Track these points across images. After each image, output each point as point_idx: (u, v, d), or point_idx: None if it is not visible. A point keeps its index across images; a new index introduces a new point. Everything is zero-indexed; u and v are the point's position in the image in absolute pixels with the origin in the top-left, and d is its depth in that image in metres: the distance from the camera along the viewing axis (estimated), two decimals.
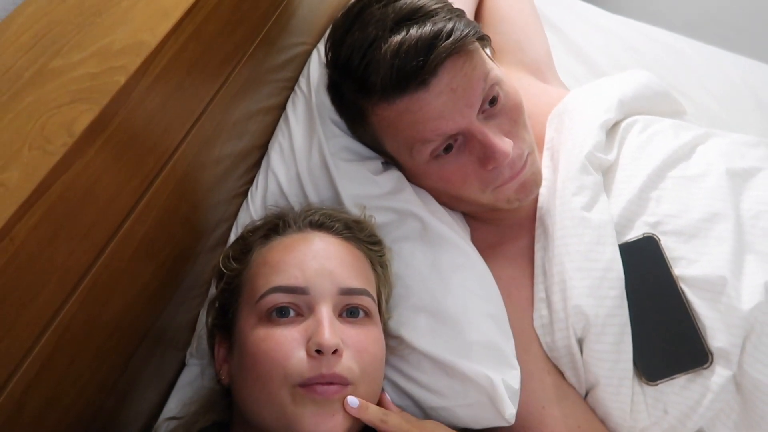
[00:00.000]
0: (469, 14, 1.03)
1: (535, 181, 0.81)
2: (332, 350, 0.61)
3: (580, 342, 0.76)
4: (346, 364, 0.62)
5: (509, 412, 0.72)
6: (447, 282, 0.79)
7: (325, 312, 0.64)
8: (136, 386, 0.76)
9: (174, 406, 0.83)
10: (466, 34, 0.72)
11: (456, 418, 0.75)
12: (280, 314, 0.64)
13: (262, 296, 0.65)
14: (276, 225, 0.73)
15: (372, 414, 0.63)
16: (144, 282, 0.68)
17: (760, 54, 1.24)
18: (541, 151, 0.88)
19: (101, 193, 0.56)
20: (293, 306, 0.65)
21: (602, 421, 0.77)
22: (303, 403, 0.60)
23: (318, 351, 0.61)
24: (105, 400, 0.69)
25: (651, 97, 0.93)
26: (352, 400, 0.61)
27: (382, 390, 0.70)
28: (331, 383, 0.61)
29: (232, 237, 0.87)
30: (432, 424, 0.71)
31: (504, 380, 0.73)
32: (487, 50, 0.81)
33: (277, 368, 0.61)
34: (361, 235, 0.74)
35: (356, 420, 0.62)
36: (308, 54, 0.98)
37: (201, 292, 0.86)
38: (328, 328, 0.62)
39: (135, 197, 0.62)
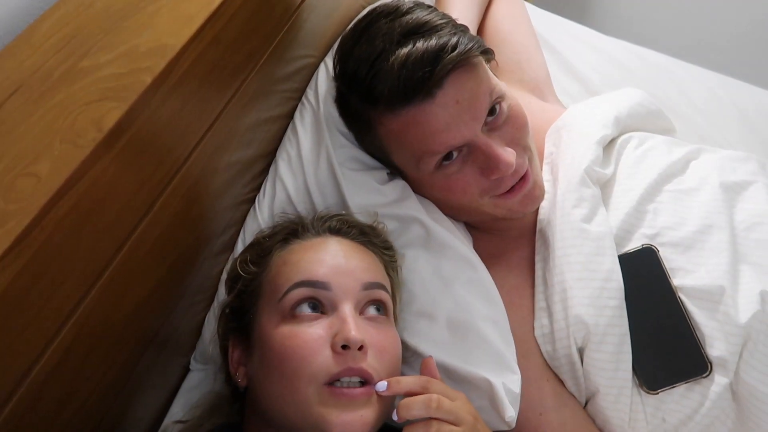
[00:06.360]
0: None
1: (540, 193, 0.83)
2: (358, 345, 0.61)
3: (581, 351, 0.77)
4: (370, 362, 0.63)
5: (509, 414, 0.73)
6: (449, 288, 0.80)
7: (348, 309, 0.65)
8: (141, 390, 0.77)
9: (178, 409, 0.84)
10: (470, 48, 0.74)
11: None
12: (304, 309, 0.65)
13: (286, 293, 0.66)
14: (295, 230, 0.75)
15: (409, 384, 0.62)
16: (154, 284, 0.69)
17: (746, 76, 1.28)
18: (541, 165, 0.90)
19: (123, 191, 0.58)
20: (317, 302, 0.66)
21: (601, 430, 0.78)
22: (329, 404, 0.60)
23: (344, 347, 0.61)
24: (113, 402, 0.69)
25: (645, 115, 0.96)
26: (381, 385, 0.61)
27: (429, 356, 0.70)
28: (355, 385, 0.61)
29: (239, 243, 0.88)
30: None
31: (504, 384, 0.74)
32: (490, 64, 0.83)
33: (303, 366, 0.61)
34: (376, 241, 0.76)
35: (381, 416, 0.62)
36: (313, 67, 1.00)
37: (205, 297, 0.86)
38: (354, 324, 0.63)
39: (152, 198, 0.63)
